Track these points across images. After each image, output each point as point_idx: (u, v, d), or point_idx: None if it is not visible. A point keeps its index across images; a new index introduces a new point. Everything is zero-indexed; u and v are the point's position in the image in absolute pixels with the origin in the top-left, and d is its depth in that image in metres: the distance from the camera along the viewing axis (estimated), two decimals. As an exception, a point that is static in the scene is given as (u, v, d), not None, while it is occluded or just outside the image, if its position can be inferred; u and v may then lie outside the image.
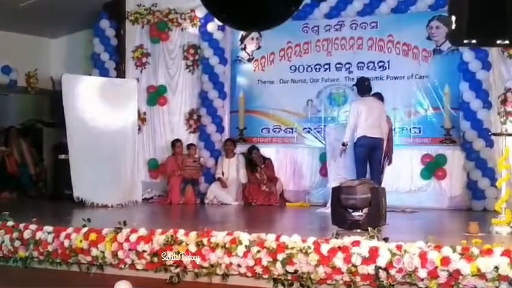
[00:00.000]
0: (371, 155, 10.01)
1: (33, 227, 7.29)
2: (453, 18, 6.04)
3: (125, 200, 11.35)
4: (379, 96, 10.47)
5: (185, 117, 13.26)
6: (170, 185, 12.42)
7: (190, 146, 12.69)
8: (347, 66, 12.18)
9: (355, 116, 9.96)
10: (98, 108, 11.47)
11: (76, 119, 11.19)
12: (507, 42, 6.00)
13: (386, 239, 5.96)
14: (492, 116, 11.10)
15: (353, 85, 10.94)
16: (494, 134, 9.37)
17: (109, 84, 12.08)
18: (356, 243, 5.81)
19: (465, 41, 6.18)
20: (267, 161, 12.42)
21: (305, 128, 12.49)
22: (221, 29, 12.75)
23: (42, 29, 14.17)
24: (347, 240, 5.93)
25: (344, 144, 10.02)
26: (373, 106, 10.09)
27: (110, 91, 11.73)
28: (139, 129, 13.20)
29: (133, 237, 6.66)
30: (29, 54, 14.33)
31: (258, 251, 6.07)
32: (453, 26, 6.01)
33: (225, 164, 12.41)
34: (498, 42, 6.12)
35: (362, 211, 7.25)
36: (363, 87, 10.26)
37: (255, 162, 12.30)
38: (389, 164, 10.78)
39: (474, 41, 6.11)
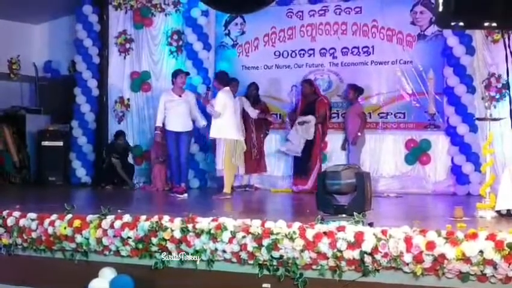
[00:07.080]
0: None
1: (16, 213, 7.23)
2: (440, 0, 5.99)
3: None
4: None
5: (169, 103, 13.16)
6: (154, 171, 12.32)
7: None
8: (331, 51, 12.17)
9: None
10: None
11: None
12: (494, 24, 5.95)
13: (371, 224, 5.97)
14: (476, 101, 11.13)
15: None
16: (479, 119, 9.36)
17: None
18: (341, 229, 5.81)
19: (452, 23, 6.13)
20: (261, 103, 12.15)
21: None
22: (205, 14, 12.70)
23: (24, 14, 14.00)
24: (332, 225, 5.93)
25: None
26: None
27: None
28: (123, 115, 13.17)
29: (118, 224, 6.64)
30: (12, 40, 14.20)
31: (243, 237, 6.06)
32: (440, 8, 5.95)
33: None
34: (485, 24, 6.06)
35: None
36: None
37: (250, 97, 11.98)
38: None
39: (461, 23, 6.06)
